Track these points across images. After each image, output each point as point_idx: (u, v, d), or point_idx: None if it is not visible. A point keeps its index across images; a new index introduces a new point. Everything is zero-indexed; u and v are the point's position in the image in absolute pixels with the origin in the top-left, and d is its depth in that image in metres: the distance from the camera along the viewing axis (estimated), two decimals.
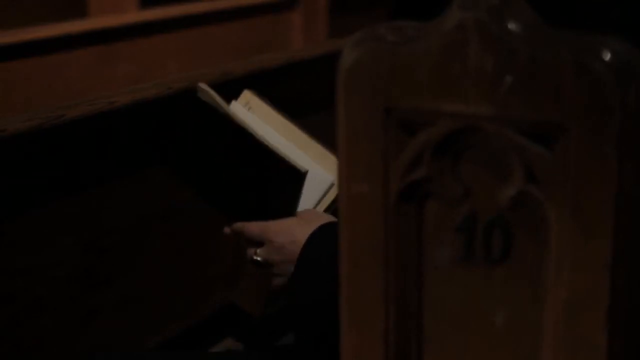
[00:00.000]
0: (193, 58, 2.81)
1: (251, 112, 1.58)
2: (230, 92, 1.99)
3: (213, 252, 2.03)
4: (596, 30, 0.68)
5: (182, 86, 1.87)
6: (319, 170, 1.50)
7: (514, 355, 0.75)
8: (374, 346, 0.78)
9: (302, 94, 2.20)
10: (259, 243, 1.39)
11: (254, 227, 1.39)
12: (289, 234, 1.34)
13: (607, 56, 0.65)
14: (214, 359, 1.61)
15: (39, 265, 1.72)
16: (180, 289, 2.03)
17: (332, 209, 1.48)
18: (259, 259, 1.39)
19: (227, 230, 1.45)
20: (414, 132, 0.73)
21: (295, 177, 1.41)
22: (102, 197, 1.82)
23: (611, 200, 0.67)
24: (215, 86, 1.64)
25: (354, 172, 0.75)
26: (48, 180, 1.71)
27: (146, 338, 1.97)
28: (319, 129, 2.05)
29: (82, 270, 1.80)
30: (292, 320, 1.39)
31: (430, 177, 0.73)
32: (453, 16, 0.69)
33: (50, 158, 1.70)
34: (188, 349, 2.05)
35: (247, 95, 1.60)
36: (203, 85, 1.49)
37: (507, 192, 0.71)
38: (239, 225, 1.42)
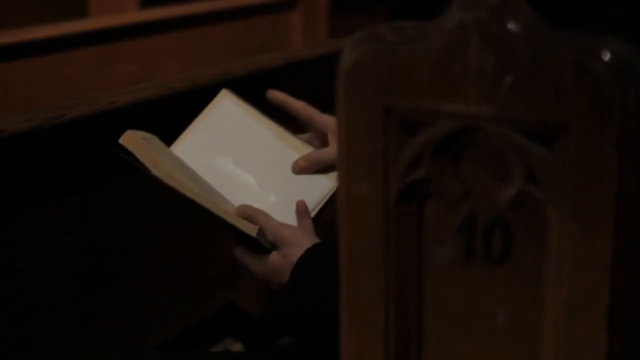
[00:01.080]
0: (193, 58, 2.81)
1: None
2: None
3: (213, 252, 2.04)
4: (596, 30, 0.68)
5: (182, 86, 1.87)
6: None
7: (514, 355, 0.75)
8: (374, 346, 0.78)
9: (302, 94, 2.19)
10: None
11: (257, 270, 1.40)
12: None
13: (607, 56, 0.65)
14: (214, 359, 1.61)
15: (39, 265, 1.72)
16: (180, 289, 2.03)
17: (324, 211, 1.47)
18: None
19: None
20: (414, 132, 0.73)
21: (248, 239, 1.38)
22: (102, 197, 1.82)
23: (611, 200, 0.67)
24: (215, 86, 1.64)
25: (354, 172, 0.75)
26: (48, 181, 1.71)
27: (146, 338, 1.97)
28: None
29: (82, 271, 1.80)
30: (292, 333, 1.40)
31: (430, 177, 0.73)
32: (453, 16, 0.69)
33: (50, 158, 1.70)
34: (188, 349, 2.05)
35: (225, 94, 1.58)
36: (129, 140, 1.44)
37: (507, 192, 0.71)
38: (242, 262, 1.43)
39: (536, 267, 0.72)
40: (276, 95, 1.56)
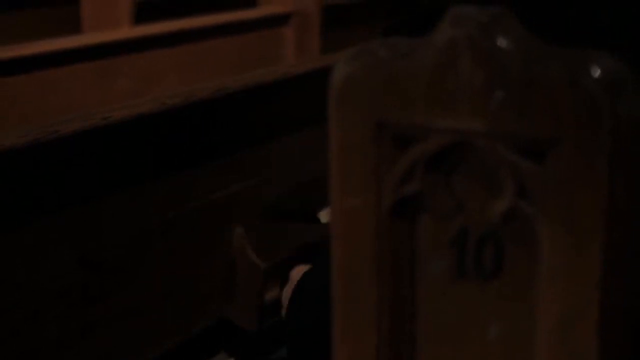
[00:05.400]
0: (188, 73, 2.82)
1: None
2: (225, 107, 2.01)
3: (208, 267, 2.04)
4: (589, 34, 0.68)
5: (177, 102, 1.88)
6: None
7: None
8: None
9: (295, 109, 2.20)
10: None
11: None
12: None
13: (597, 72, 0.66)
14: None
15: (36, 279, 1.72)
16: (174, 304, 2.03)
17: None
18: None
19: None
20: (406, 147, 0.73)
21: None
22: (96, 213, 1.82)
23: (603, 215, 0.67)
24: (209, 101, 1.65)
25: (346, 187, 0.75)
26: (43, 196, 1.71)
27: (141, 352, 1.97)
28: (313, 143, 2.06)
29: (79, 285, 1.80)
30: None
31: (422, 191, 0.74)
32: (444, 32, 0.70)
33: (46, 173, 1.70)
34: None
35: None
36: None
37: (498, 208, 0.71)
38: None
39: (528, 282, 0.72)
40: None
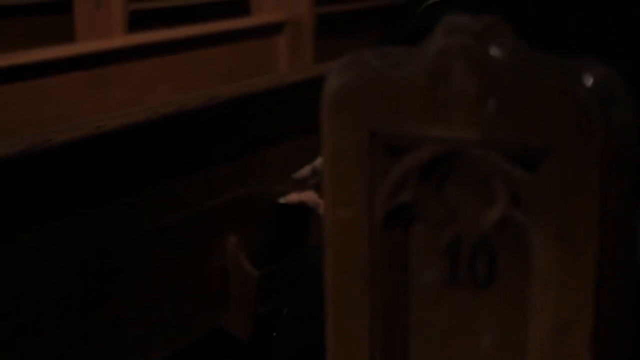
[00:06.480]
0: (182, 82, 2.82)
1: None
2: (218, 115, 2.01)
3: (202, 276, 2.04)
4: (586, 40, 0.68)
5: (170, 110, 1.88)
6: None
7: None
8: None
9: (288, 118, 2.21)
10: None
11: None
12: None
13: (590, 81, 0.66)
14: None
15: (33, 287, 1.72)
16: (170, 313, 2.03)
17: None
18: None
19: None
20: (399, 156, 0.73)
21: None
22: (93, 220, 1.82)
23: (595, 223, 0.67)
24: (202, 110, 1.65)
25: (339, 196, 0.75)
26: (42, 204, 1.71)
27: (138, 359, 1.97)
28: (306, 153, 2.06)
29: (74, 293, 1.80)
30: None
31: (415, 200, 0.74)
32: (437, 41, 0.70)
33: (42, 182, 1.70)
34: None
35: None
36: None
37: (491, 216, 0.71)
38: None
39: (521, 290, 0.72)
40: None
